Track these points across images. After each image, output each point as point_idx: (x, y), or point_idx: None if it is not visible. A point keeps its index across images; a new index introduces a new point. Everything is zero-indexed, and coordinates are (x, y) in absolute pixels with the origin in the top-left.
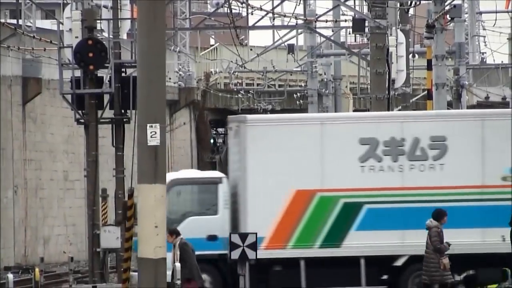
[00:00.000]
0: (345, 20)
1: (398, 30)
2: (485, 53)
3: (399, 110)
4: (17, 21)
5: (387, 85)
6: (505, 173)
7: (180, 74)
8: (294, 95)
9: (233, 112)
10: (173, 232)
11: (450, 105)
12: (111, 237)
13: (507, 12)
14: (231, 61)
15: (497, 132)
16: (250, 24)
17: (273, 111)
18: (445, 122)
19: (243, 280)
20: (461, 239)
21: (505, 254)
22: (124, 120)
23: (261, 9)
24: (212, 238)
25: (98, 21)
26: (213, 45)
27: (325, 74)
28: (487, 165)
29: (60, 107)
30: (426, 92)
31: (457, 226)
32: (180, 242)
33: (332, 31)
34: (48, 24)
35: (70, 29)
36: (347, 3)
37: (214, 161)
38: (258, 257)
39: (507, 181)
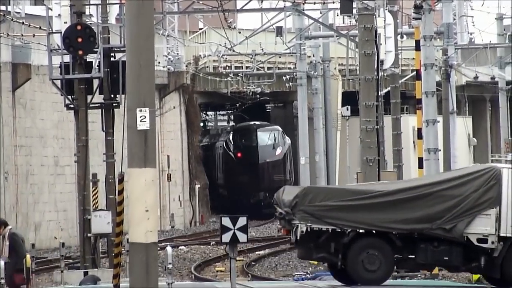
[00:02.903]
0: (333, 2)
1: (386, 11)
2: (473, 33)
3: (388, 91)
4: (6, 8)
5: (375, 66)
6: None
7: (169, 58)
8: (283, 78)
9: (222, 95)
10: (1, 223)
11: (439, 85)
12: (102, 222)
13: None
14: (220, 45)
15: None
16: (238, 7)
17: (262, 94)
18: None
19: (234, 263)
20: None
21: None
22: (114, 104)
23: None
24: None
25: (87, 6)
26: (201, 28)
27: (313, 56)
28: None
29: (49, 92)
30: (414, 72)
31: None
32: (9, 233)
33: (320, 13)
34: (37, 10)
35: (59, 15)
36: None
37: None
38: None
39: None
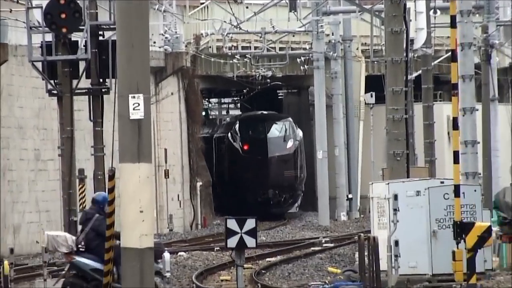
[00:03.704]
0: None
1: None
2: None
3: (419, 74)
4: None
5: (404, 46)
6: None
7: (166, 37)
8: (298, 59)
9: (227, 80)
10: None
11: (478, 68)
12: None
13: None
14: (225, 21)
15: None
16: None
17: (273, 78)
18: None
19: (241, 271)
20: None
21: None
22: (103, 90)
23: None
24: None
25: None
26: (203, 3)
27: (332, 34)
28: None
29: (29, 76)
30: (450, 53)
31: None
32: None
33: None
34: None
35: None
36: None
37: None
38: None
39: None
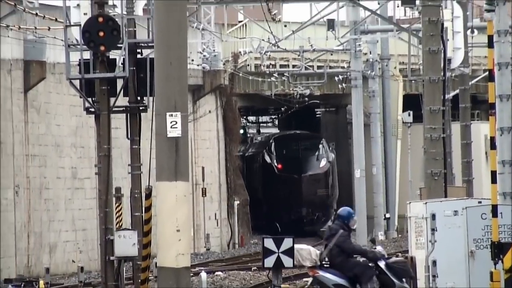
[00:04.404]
0: None
1: (454, 2)
2: None
3: (457, 94)
4: None
5: (442, 65)
6: None
7: (204, 55)
8: (336, 78)
9: (265, 98)
10: None
11: None
12: (126, 244)
13: None
14: (263, 40)
15: None
16: None
17: (311, 97)
18: None
19: None
20: None
21: None
22: (141, 108)
23: None
24: None
25: None
26: (241, 21)
27: (370, 53)
28: None
29: (67, 94)
30: (487, 73)
31: None
32: None
33: (378, 3)
34: None
35: (78, 5)
36: None
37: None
38: None
39: None
